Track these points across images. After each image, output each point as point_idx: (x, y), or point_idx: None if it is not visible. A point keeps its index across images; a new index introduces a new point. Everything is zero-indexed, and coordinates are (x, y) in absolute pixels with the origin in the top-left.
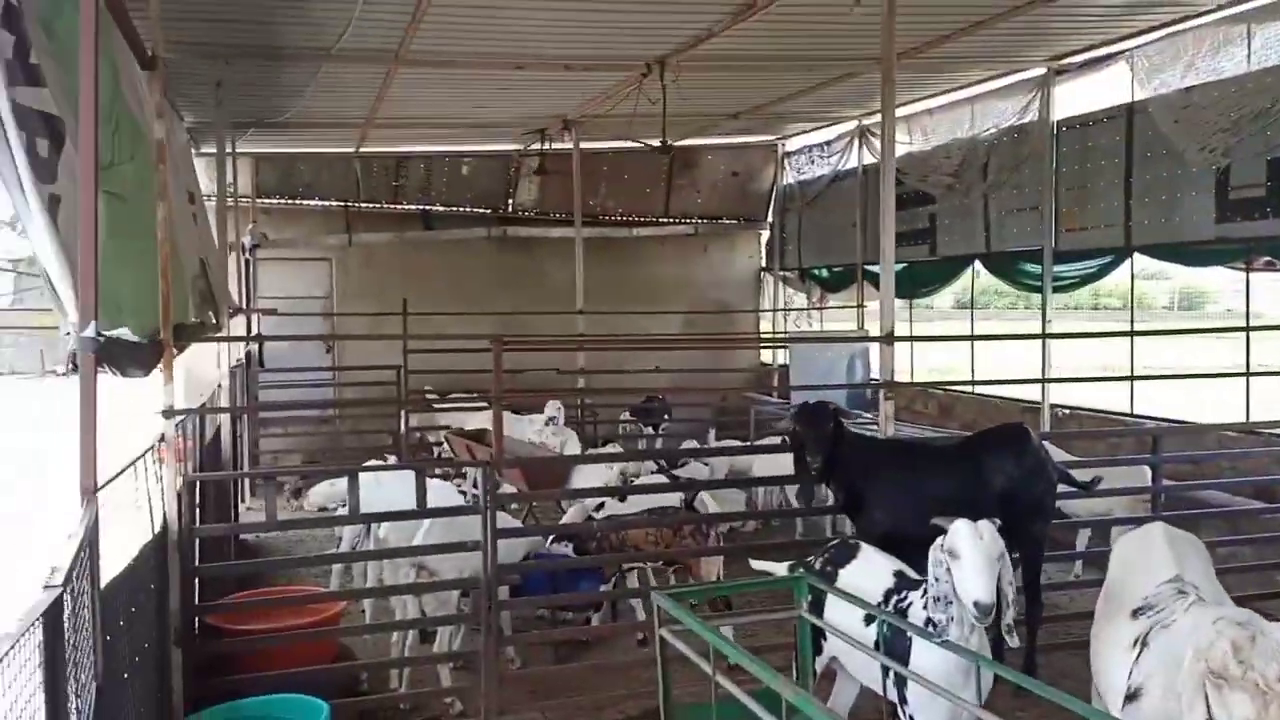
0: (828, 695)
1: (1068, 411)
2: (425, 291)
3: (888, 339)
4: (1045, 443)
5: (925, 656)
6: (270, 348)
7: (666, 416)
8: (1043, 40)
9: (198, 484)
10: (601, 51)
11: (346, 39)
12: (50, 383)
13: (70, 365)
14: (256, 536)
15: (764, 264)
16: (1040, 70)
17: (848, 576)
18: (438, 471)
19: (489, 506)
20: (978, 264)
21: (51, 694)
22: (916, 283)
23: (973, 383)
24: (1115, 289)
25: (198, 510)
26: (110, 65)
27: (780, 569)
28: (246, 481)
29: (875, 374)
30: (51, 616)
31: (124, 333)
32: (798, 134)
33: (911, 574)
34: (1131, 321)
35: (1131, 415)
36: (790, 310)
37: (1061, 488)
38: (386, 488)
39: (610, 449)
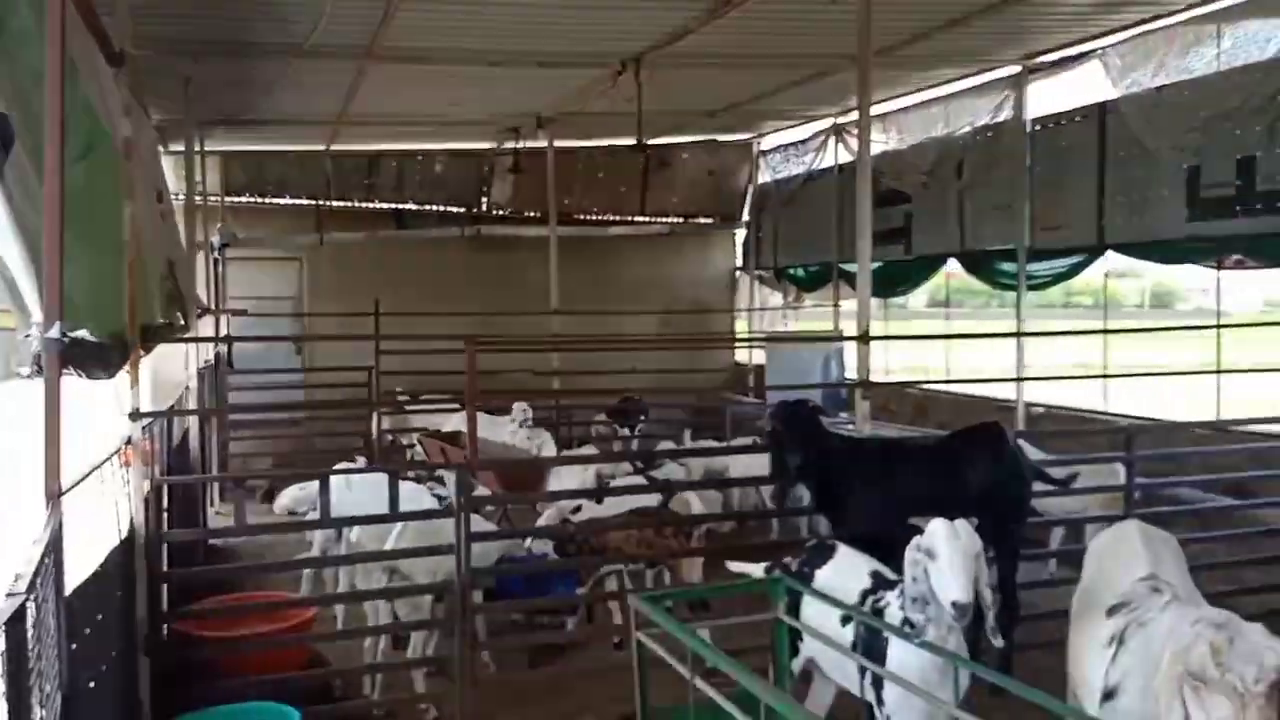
0: (805, 696)
1: (1042, 410)
2: (398, 291)
3: (863, 338)
4: (1020, 441)
5: (902, 657)
6: (240, 349)
7: (643, 417)
8: (1016, 39)
9: (165, 488)
10: (576, 48)
11: (317, 35)
12: (16, 385)
13: (35, 367)
14: (226, 541)
15: (740, 263)
16: (1014, 69)
17: (824, 577)
18: (411, 474)
19: (463, 509)
20: (952, 263)
21: (15, 704)
22: (892, 282)
23: (948, 382)
24: (1086, 287)
25: (166, 515)
26: (67, 62)
27: (757, 570)
28: (216, 485)
29: (850, 373)
30: (14, 625)
31: (83, 334)
32: (773, 132)
33: (889, 574)
34: (1105, 319)
35: (1105, 413)
36: (766, 310)
37: (1037, 486)
38: (358, 491)
39: (586, 450)
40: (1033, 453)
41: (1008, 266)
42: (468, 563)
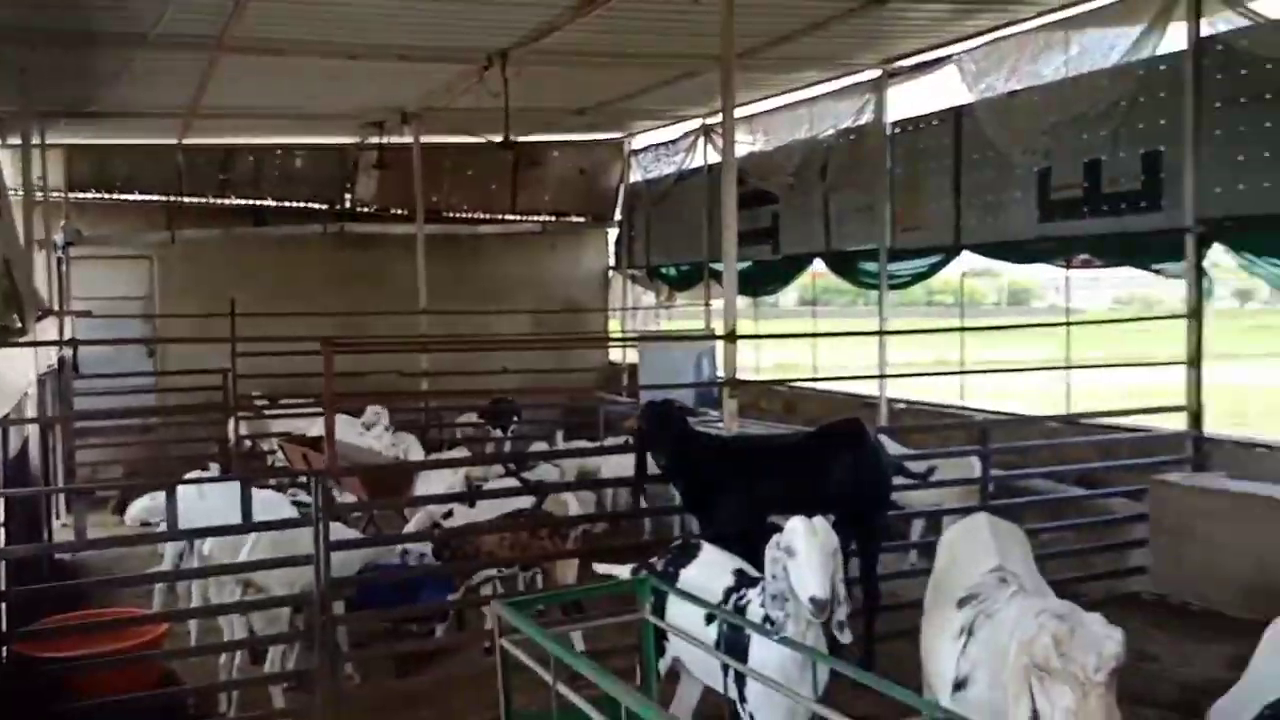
0: (673, 696)
1: (903, 405)
2: (256, 291)
3: (729, 337)
4: (881, 436)
5: (763, 654)
6: (86, 352)
7: (515, 419)
8: (875, 43)
9: (2, 501)
10: (440, 42)
11: (164, 24)
12: None
13: None
14: (72, 556)
15: (612, 263)
16: (874, 73)
17: (689, 576)
18: (271, 482)
19: (322, 517)
20: (819, 262)
21: None
22: (760, 281)
23: (814, 380)
24: (947, 286)
25: (3, 529)
26: None
27: (624, 571)
28: (61, 497)
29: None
30: None
31: None
32: (644, 132)
33: (752, 571)
34: (961, 317)
35: (962, 408)
36: (639, 309)
37: (898, 480)
38: (211, 499)
39: (456, 453)
40: (894, 447)
41: (870, 266)
42: (327, 573)
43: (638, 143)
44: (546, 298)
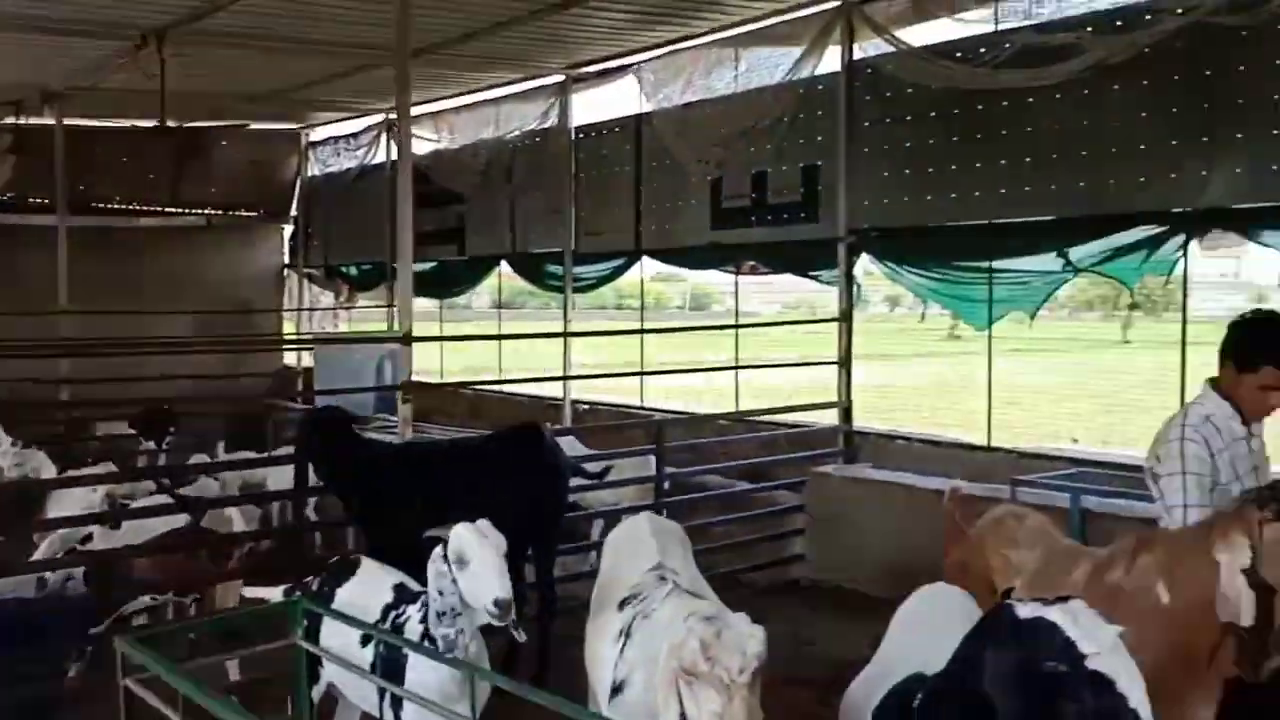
0: None
1: (586, 407)
2: None
3: (405, 339)
4: (569, 436)
5: (420, 673)
6: None
7: (171, 429)
8: (560, 47)
9: None
10: (86, 15)
11: None
12: None
13: None
14: None
15: (288, 260)
16: (559, 77)
17: (346, 595)
18: None
19: None
20: (505, 264)
21: None
22: (446, 282)
23: (497, 383)
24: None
25: None
26: None
27: (277, 593)
28: None
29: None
30: None
31: None
32: (325, 124)
33: (414, 586)
34: (641, 320)
35: (643, 409)
36: (317, 310)
37: (577, 481)
38: None
39: (101, 469)
40: (577, 449)
41: (555, 269)
42: None
43: (316, 135)
44: (214, 297)
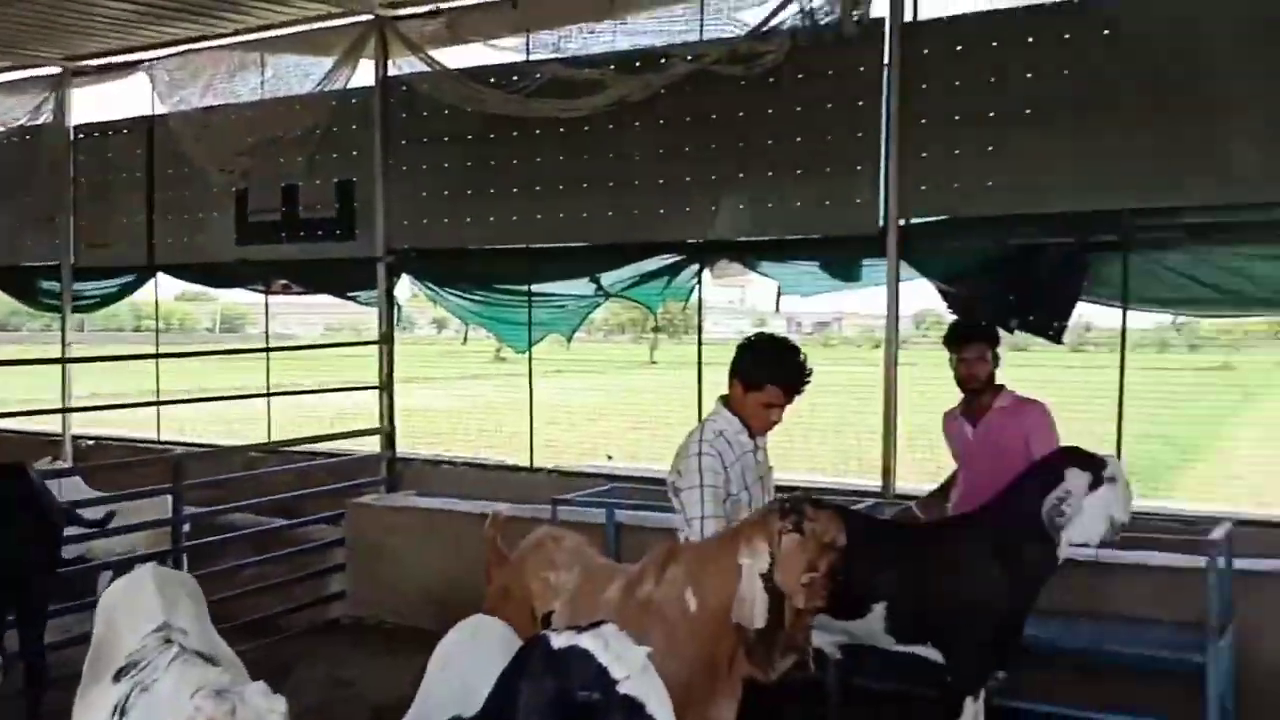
0: None
1: (93, 442)
2: None
3: None
4: (74, 477)
5: None
6: None
7: None
8: (56, 36)
9: None
10: None
11: None
12: None
13: None
14: None
15: None
16: (56, 69)
17: None
18: None
19: None
20: None
21: None
22: None
23: None
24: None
25: None
26: None
27: None
28: None
29: None
30: None
31: None
32: None
33: None
34: (157, 344)
35: (161, 443)
36: None
37: (74, 530)
38: None
39: None
40: (81, 491)
41: (52, 285)
42: None
43: None
44: None
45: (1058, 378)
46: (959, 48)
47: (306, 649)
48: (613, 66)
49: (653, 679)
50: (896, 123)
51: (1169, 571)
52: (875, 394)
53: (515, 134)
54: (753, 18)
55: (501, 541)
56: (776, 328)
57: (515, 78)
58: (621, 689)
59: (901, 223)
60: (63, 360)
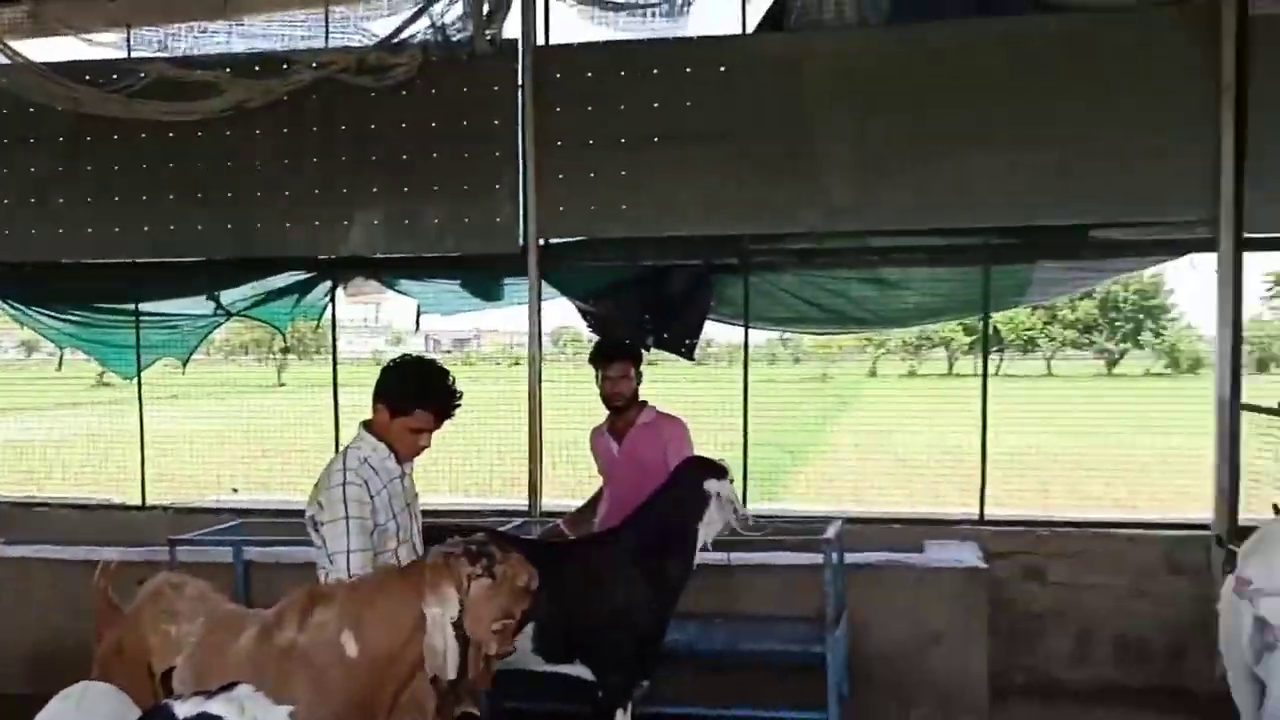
0: None
1: None
2: None
3: None
4: None
5: None
6: None
7: None
8: None
9: None
10: None
11: None
12: None
13: None
14: None
15: None
16: None
17: None
18: None
19: None
20: None
21: None
22: None
23: None
24: None
25: None
26: None
27: None
28: None
29: None
30: None
31: None
32: None
33: None
34: None
35: None
36: None
37: None
38: None
39: None
40: None
41: None
42: None
43: None
44: None
45: (685, 392)
46: (589, 74)
47: None
48: (229, 69)
49: None
50: (532, 143)
51: (790, 570)
52: (518, 412)
53: (116, 137)
54: (382, 29)
55: (113, 592)
56: (415, 346)
57: (115, 76)
58: None
59: (541, 242)
60: None
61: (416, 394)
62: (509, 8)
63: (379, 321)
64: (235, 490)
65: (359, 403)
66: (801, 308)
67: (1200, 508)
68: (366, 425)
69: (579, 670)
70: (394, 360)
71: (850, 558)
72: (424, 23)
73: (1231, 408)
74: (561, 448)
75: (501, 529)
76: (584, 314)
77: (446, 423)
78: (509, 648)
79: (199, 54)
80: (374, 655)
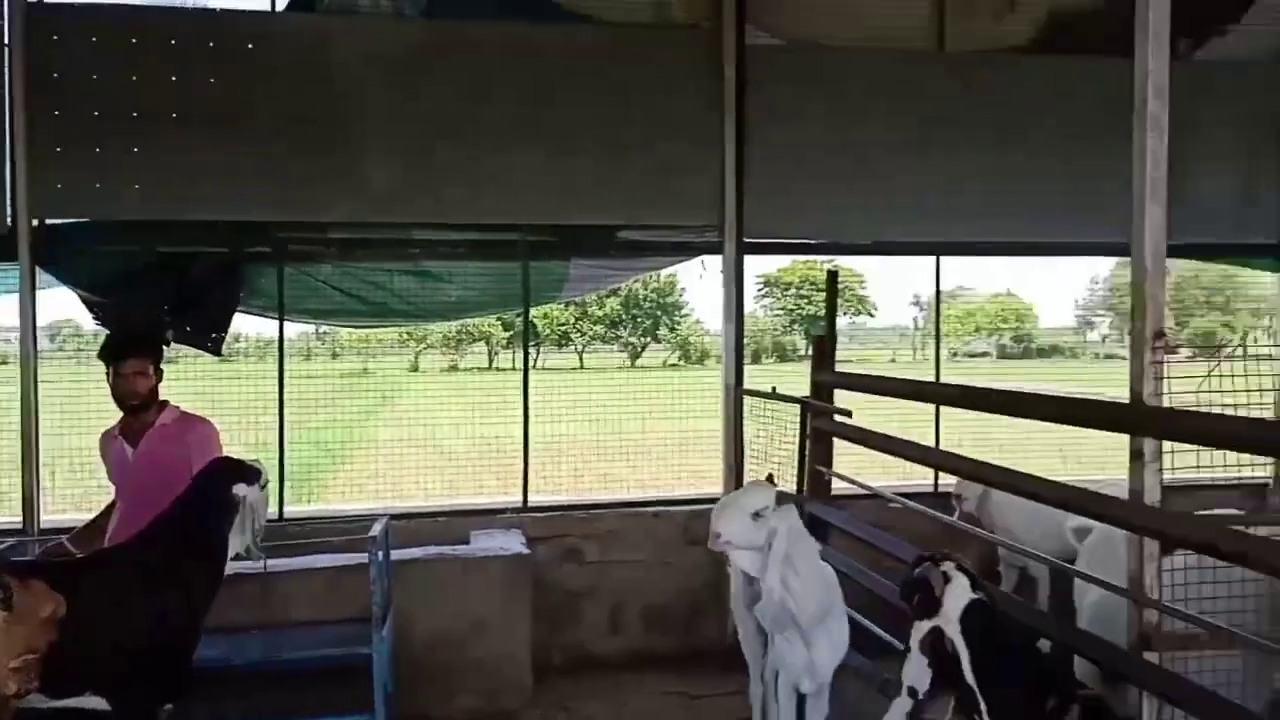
0: None
1: None
2: None
3: None
4: None
5: None
6: None
7: None
8: None
9: None
10: None
11: None
12: None
13: None
14: None
15: None
16: None
17: None
18: None
19: None
20: None
21: None
22: None
23: None
24: None
25: None
26: None
27: None
28: None
29: None
30: None
31: None
32: None
33: None
34: None
35: None
36: None
37: None
38: None
39: None
40: None
41: None
42: None
43: None
44: None
45: (213, 390)
46: (94, 38)
47: None
48: None
49: None
50: (23, 110)
51: (335, 571)
52: (8, 417)
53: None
54: None
55: None
56: None
57: None
58: None
59: (35, 223)
60: None
61: None
62: None
63: None
64: None
65: None
66: (341, 299)
67: (711, 483)
68: None
69: (92, 702)
70: None
71: (396, 554)
72: None
73: (736, 393)
74: (62, 455)
75: None
76: (90, 306)
77: None
78: (31, 685)
79: None
80: None
